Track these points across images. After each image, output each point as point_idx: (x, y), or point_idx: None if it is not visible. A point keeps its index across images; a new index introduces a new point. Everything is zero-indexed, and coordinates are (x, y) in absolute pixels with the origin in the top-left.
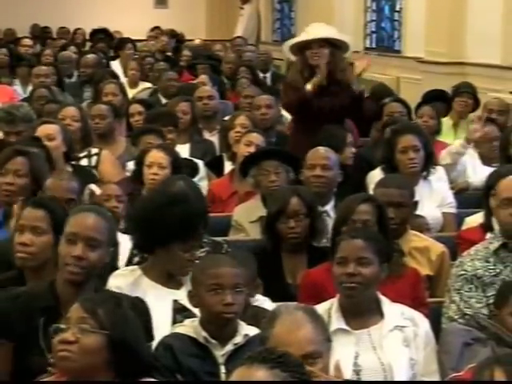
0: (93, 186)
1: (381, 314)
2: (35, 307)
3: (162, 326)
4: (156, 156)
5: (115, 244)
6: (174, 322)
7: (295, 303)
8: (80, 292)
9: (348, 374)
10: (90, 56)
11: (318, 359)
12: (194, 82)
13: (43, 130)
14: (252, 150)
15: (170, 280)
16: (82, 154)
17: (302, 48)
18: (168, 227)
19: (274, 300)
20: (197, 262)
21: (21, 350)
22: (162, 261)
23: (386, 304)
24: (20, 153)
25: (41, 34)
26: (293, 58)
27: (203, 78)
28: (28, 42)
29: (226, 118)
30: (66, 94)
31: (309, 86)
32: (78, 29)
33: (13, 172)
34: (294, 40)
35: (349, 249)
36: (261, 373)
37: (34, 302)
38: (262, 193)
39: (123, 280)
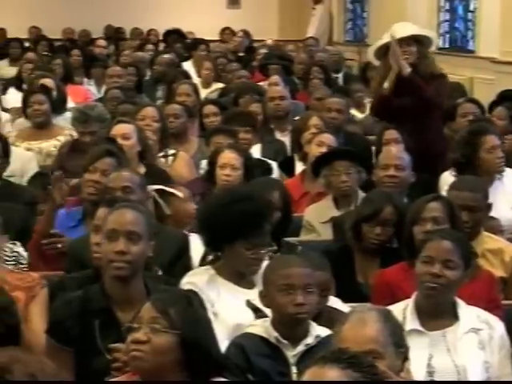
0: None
1: (456, 317)
2: (89, 310)
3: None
4: (229, 157)
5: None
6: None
7: (370, 304)
8: (129, 290)
9: (421, 376)
10: (166, 55)
11: (377, 360)
12: (266, 82)
13: (119, 129)
14: (323, 150)
15: (243, 279)
16: (159, 155)
17: (387, 50)
18: (229, 225)
19: (345, 300)
20: (265, 261)
21: (80, 354)
22: (230, 259)
23: (462, 306)
24: (110, 153)
25: (114, 35)
26: (376, 63)
27: (275, 78)
28: (102, 42)
29: (297, 118)
30: (142, 95)
31: (386, 85)
32: (152, 29)
33: (101, 171)
34: (380, 42)
35: (436, 249)
36: (333, 373)
37: (87, 305)
38: (334, 193)
39: (199, 278)
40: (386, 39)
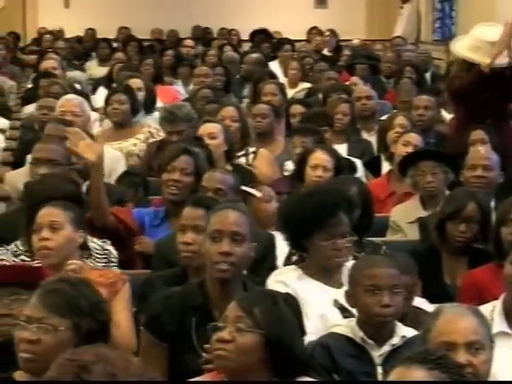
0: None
1: None
2: (187, 307)
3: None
4: (321, 158)
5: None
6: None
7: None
8: (229, 290)
9: (510, 378)
10: (254, 54)
11: (481, 351)
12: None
13: (205, 128)
14: (409, 150)
15: (331, 279)
16: (240, 153)
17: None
18: (304, 218)
19: (431, 300)
20: (350, 260)
21: (174, 350)
22: (313, 256)
23: None
24: (187, 151)
25: (202, 35)
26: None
27: (354, 78)
28: (190, 42)
29: (384, 117)
30: (230, 95)
31: (488, 61)
32: (233, 30)
33: (179, 170)
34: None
35: None
36: (420, 373)
37: (185, 302)
38: (420, 193)
39: (287, 276)
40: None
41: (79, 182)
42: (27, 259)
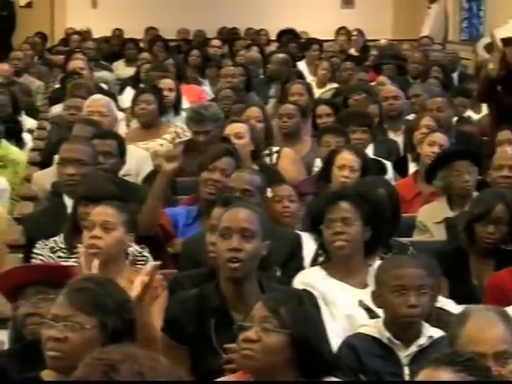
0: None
1: None
2: (204, 309)
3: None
4: (348, 158)
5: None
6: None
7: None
8: (244, 290)
9: None
10: (280, 54)
11: (509, 360)
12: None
13: (232, 128)
14: (435, 149)
15: (355, 279)
16: (263, 153)
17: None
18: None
19: (458, 301)
20: (377, 261)
21: (194, 352)
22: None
23: None
24: (230, 153)
25: (229, 35)
26: (486, 55)
27: (382, 78)
28: (217, 43)
29: (410, 117)
30: (252, 94)
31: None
32: (262, 30)
33: (220, 171)
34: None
35: None
36: (447, 375)
37: (202, 304)
38: (454, 193)
39: (312, 276)
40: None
41: (121, 183)
42: (63, 256)
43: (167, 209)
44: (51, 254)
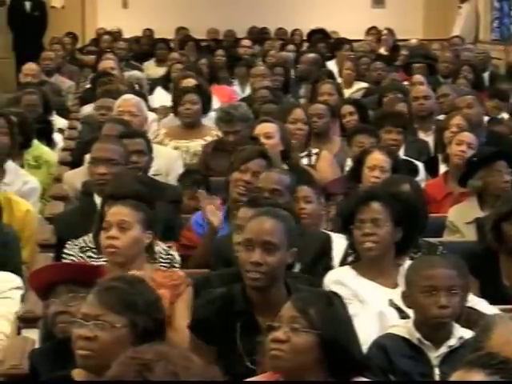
0: None
1: None
2: (230, 312)
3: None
4: (379, 159)
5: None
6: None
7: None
8: (270, 296)
9: None
10: (310, 54)
11: None
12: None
13: (262, 128)
14: (463, 148)
15: (386, 279)
16: (302, 154)
17: None
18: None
19: (489, 302)
20: (407, 261)
21: (219, 355)
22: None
23: None
24: (263, 155)
25: (259, 35)
26: None
27: (418, 77)
28: (247, 42)
29: (440, 117)
30: (288, 95)
31: None
32: (296, 29)
33: (252, 172)
34: None
35: None
36: (479, 377)
37: (228, 306)
38: (489, 193)
39: (343, 275)
40: None
41: (149, 183)
42: (94, 256)
43: (194, 216)
44: (81, 254)
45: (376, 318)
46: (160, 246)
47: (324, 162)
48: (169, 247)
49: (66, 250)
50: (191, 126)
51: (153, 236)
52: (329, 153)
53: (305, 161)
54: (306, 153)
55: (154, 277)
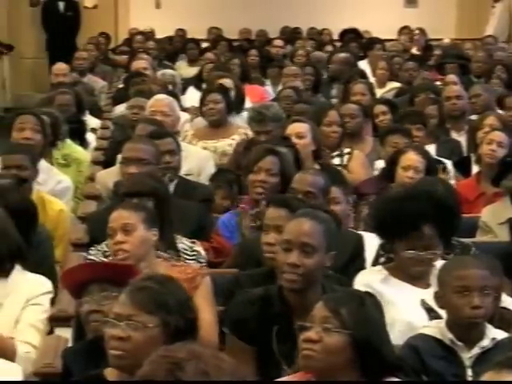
0: None
1: None
2: (269, 313)
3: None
4: (413, 159)
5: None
6: None
7: None
8: (307, 298)
9: None
10: (342, 54)
11: None
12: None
13: (293, 128)
14: (493, 147)
15: (418, 279)
16: (334, 153)
17: None
18: (387, 223)
19: None
20: (439, 261)
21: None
22: (396, 258)
23: None
24: (272, 152)
25: (291, 35)
26: None
27: (452, 77)
28: (279, 42)
29: (473, 117)
30: (319, 96)
31: None
32: (325, 29)
33: (265, 171)
34: None
35: None
36: (510, 378)
37: (266, 308)
38: None
39: (372, 277)
40: None
41: (164, 180)
42: None
43: (221, 218)
44: (104, 259)
45: (403, 320)
46: (184, 243)
47: (356, 162)
48: (193, 243)
49: (89, 256)
50: (217, 126)
51: (158, 233)
52: (362, 153)
53: (336, 160)
54: (337, 152)
55: (168, 273)
